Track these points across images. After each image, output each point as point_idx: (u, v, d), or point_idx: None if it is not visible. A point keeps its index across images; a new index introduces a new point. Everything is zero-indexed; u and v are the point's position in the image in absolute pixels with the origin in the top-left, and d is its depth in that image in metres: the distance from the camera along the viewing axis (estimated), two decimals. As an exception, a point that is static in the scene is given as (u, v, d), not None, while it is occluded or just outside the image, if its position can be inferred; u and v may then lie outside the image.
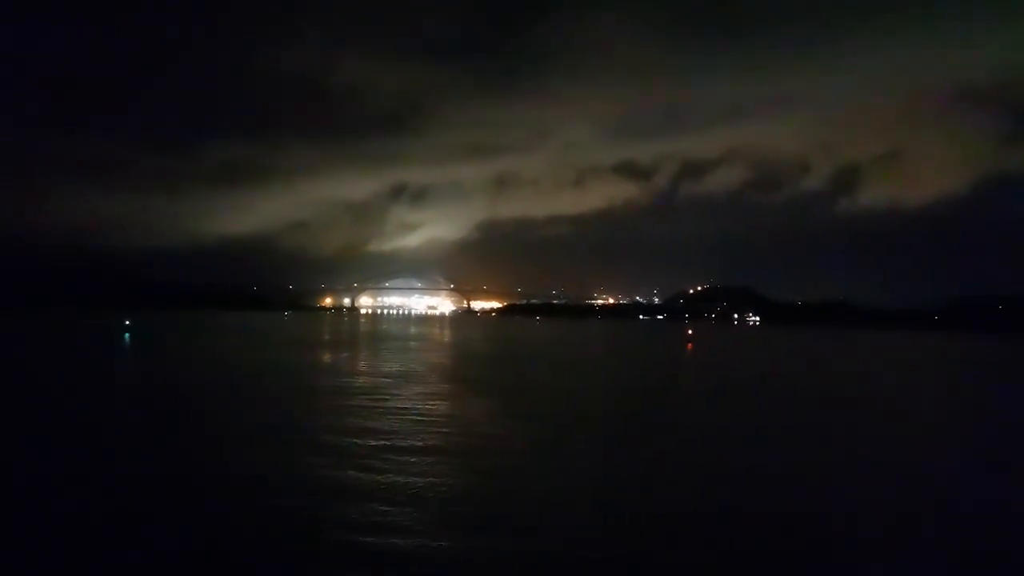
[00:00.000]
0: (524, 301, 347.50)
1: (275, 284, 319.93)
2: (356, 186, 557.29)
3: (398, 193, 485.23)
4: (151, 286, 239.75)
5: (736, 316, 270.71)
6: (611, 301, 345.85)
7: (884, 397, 38.52)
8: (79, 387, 33.65)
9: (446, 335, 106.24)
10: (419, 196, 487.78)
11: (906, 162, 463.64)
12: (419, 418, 24.93)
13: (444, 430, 22.84)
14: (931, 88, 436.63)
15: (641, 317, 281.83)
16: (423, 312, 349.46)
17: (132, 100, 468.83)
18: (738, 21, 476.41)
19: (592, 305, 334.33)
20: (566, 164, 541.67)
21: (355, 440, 20.57)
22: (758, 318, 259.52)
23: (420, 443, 20.46)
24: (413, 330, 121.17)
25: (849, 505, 15.27)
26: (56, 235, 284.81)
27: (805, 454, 21.00)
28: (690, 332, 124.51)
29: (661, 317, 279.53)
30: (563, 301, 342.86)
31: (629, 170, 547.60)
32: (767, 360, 69.28)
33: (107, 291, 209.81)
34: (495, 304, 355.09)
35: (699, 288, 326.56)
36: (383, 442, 20.39)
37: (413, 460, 18.24)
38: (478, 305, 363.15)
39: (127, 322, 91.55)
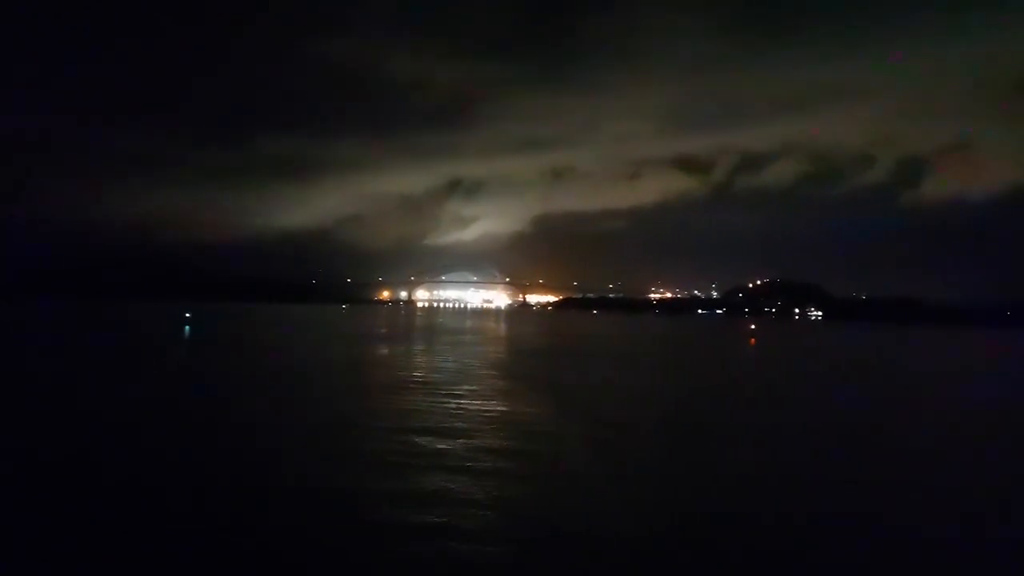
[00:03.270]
0: (580, 295, 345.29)
1: (332, 277, 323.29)
2: (411, 180, 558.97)
3: (453, 187, 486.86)
4: (210, 279, 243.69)
5: (797, 311, 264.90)
6: (668, 295, 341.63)
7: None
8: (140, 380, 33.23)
9: (502, 329, 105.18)
10: (473, 190, 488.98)
11: (973, 153, 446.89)
12: (482, 416, 23.74)
13: (505, 431, 21.56)
14: (999, 76, 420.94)
15: (699, 312, 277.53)
16: (479, 306, 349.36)
17: (189, 96, 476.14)
18: (797, 9, 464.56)
19: (649, 299, 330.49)
20: (620, 157, 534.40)
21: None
22: (821, 314, 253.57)
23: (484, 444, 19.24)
24: (469, 324, 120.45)
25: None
26: (118, 229, 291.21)
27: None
28: (752, 327, 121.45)
29: (720, 312, 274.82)
30: (619, 295, 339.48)
31: (685, 163, 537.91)
32: (833, 354, 66.86)
33: (167, 283, 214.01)
34: (551, 298, 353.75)
35: (759, 283, 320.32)
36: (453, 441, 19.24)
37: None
38: (534, 299, 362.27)
39: (187, 314, 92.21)
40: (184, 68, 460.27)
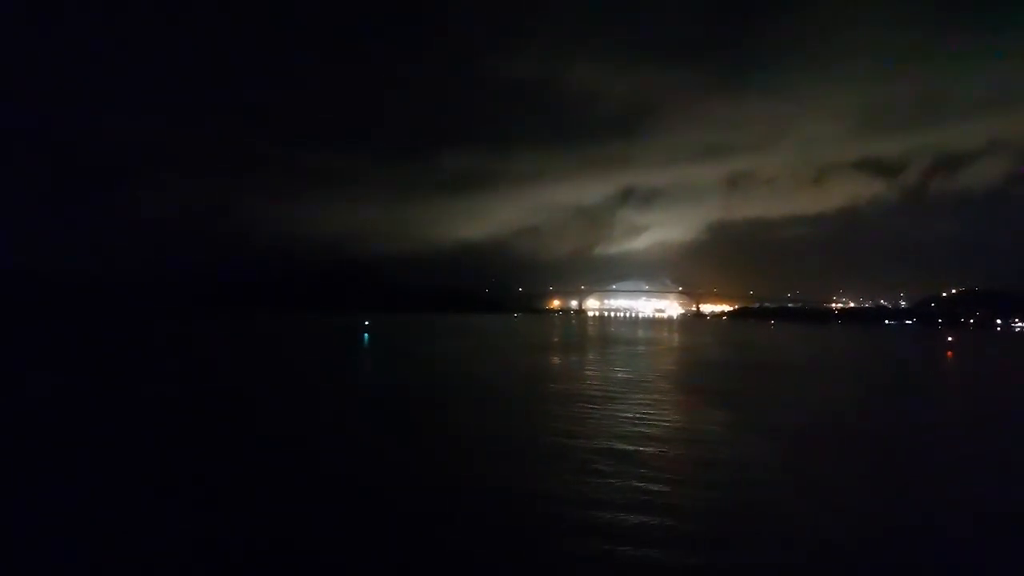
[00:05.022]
0: (757, 304, 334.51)
1: (506, 287, 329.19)
2: (585, 190, 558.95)
3: (627, 196, 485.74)
4: (389, 290, 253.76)
5: (999, 322, 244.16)
6: (851, 305, 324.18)
7: None
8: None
9: (675, 339, 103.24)
10: (648, 198, 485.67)
11: None
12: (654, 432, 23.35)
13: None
14: None
15: (887, 322, 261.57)
16: (650, 315, 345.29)
17: (376, 114, 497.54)
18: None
19: (831, 309, 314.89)
20: (804, 161, 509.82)
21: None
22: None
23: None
24: (641, 333, 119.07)
25: None
26: (306, 243, 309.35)
27: None
28: (950, 339, 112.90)
29: (910, 322, 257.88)
30: (799, 305, 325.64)
31: (874, 166, 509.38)
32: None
33: (354, 294, 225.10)
34: (725, 307, 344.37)
35: (954, 291, 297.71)
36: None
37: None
38: (708, 308, 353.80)
39: (366, 323, 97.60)
40: (368, 87, 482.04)
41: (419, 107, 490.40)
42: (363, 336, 79.34)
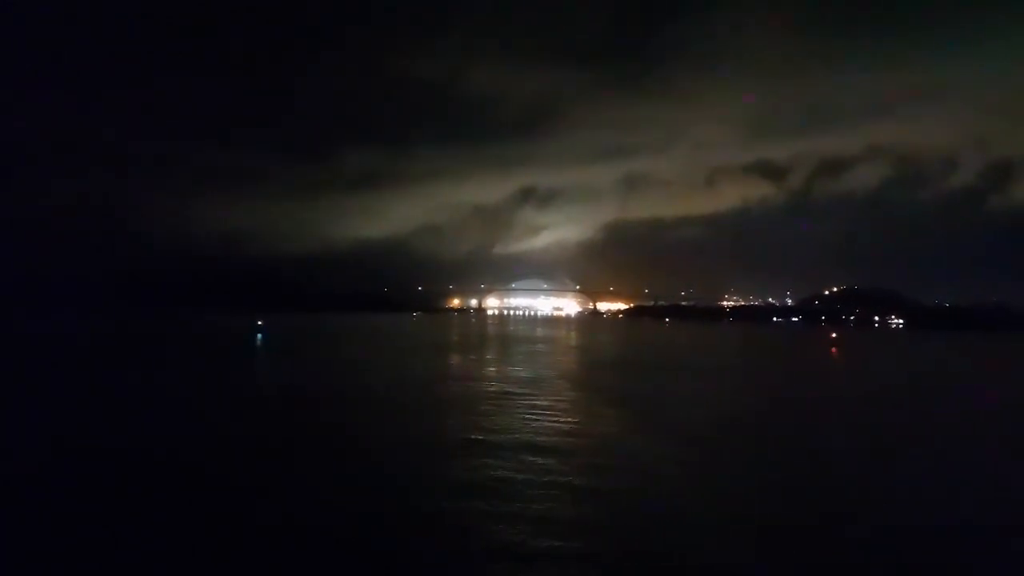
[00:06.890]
0: (652, 302, 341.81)
1: (405, 286, 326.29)
2: (486, 190, 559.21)
3: (527, 196, 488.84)
4: (288, 290, 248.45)
5: (877, 319, 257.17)
6: (741, 303, 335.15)
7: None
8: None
9: (573, 338, 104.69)
10: (547, 198, 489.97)
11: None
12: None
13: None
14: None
15: (775, 319, 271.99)
16: (549, 313, 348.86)
17: (274, 112, 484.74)
18: (881, 8, 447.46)
19: (722, 307, 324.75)
20: (697, 164, 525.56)
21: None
22: (901, 322, 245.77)
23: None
24: (540, 332, 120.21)
25: None
26: (203, 242, 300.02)
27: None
28: (833, 336, 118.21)
29: (796, 320, 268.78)
30: (692, 303, 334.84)
31: (763, 169, 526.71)
32: (913, 363, 64.78)
33: (248, 294, 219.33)
34: (622, 306, 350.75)
35: (835, 290, 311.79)
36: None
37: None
38: (604, 306, 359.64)
39: (259, 323, 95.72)
40: (269, 85, 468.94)
41: (320, 106, 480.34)
42: (256, 337, 77.45)
